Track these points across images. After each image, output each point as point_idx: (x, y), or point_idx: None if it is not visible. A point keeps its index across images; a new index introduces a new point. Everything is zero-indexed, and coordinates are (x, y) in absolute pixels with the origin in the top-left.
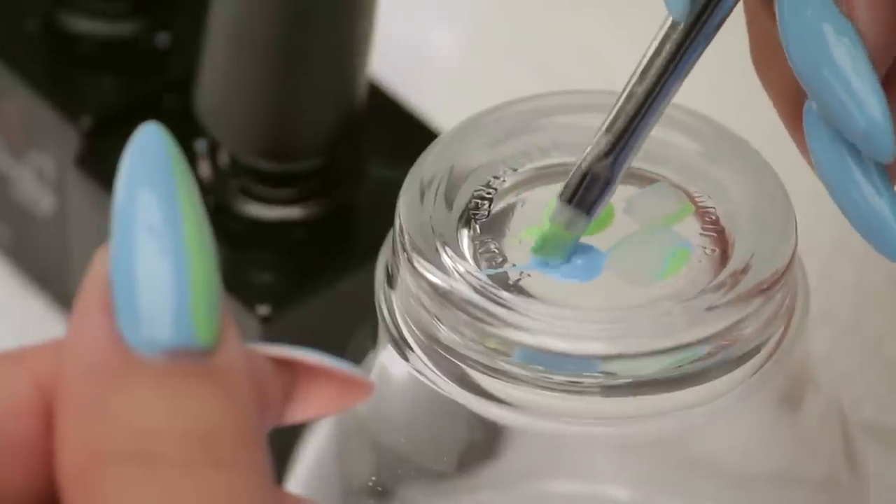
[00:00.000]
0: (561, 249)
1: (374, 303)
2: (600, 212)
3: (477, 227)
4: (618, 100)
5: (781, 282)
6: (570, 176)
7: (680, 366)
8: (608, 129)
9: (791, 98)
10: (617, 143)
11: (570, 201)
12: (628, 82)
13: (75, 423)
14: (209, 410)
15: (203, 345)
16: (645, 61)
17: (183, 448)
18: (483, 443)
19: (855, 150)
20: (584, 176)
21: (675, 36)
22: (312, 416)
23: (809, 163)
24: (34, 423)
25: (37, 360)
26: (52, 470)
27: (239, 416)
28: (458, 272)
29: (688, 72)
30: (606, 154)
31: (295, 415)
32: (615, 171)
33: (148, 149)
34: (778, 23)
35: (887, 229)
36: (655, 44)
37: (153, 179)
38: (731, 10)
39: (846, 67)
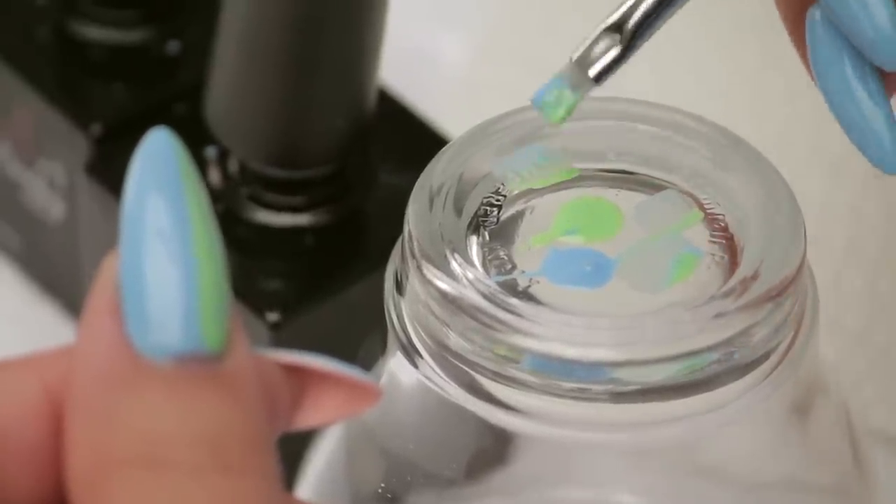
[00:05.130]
0: (560, 109)
1: (383, 310)
2: (607, 78)
3: (486, 234)
4: None
5: (791, 288)
6: (590, 40)
7: (689, 372)
8: (635, 4)
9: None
10: (636, 16)
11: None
12: None
13: (84, 428)
14: (218, 415)
15: (212, 350)
16: None
17: (191, 453)
18: (492, 449)
19: (855, 58)
20: (599, 40)
21: None
22: (322, 421)
23: (807, 68)
24: (43, 428)
25: (46, 366)
26: (60, 475)
27: (248, 421)
28: (467, 279)
29: None
30: (625, 24)
31: (304, 421)
32: (631, 44)
33: (157, 153)
34: None
35: (880, 138)
36: None
37: (162, 184)
38: None
39: None
